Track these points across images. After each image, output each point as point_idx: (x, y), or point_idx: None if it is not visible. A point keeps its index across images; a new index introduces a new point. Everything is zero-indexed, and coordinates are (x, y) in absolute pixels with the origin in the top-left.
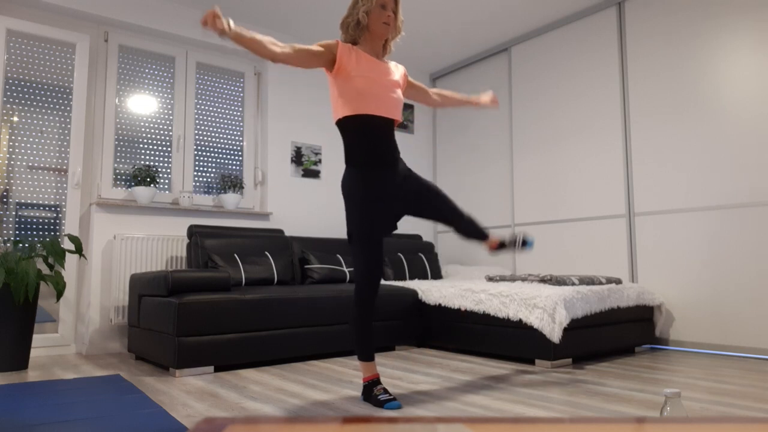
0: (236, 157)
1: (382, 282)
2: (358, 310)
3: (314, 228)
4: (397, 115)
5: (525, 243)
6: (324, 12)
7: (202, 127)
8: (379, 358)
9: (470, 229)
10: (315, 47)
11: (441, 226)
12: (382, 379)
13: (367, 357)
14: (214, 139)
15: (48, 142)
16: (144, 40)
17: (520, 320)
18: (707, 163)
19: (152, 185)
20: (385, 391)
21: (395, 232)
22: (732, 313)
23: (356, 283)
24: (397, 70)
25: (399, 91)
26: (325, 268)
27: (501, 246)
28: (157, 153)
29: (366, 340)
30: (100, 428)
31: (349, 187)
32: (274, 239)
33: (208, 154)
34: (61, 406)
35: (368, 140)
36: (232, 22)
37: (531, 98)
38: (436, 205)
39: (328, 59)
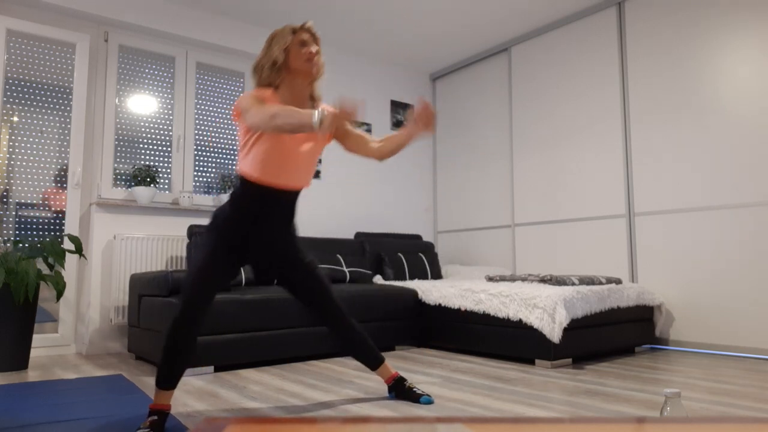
0: (236, 157)
1: (382, 282)
2: (172, 332)
3: (314, 228)
4: (306, 183)
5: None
6: (325, 11)
7: (202, 127)
8: None
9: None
10: (260, 103)
11: (441, 226)
12: (382, 381)
13: (157, 383)
14: (214, 139)
15: (48, 142)
16: (144, 40)
17: (520, 320)
18: (707, 163)
19: (152, 185)
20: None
21: (394, 231)
22: (732, 313)
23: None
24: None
25: (316, 151)
26: (325, 268)
27: (401, 382)
28: (157, 153)
29: (164, 366)
30: (100, 428)
31: (217, 217)
32: None
33: (208, 154)
34: (61, 406)
35: (263, 205)
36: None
37: (531, 98)
38: (308, 283)
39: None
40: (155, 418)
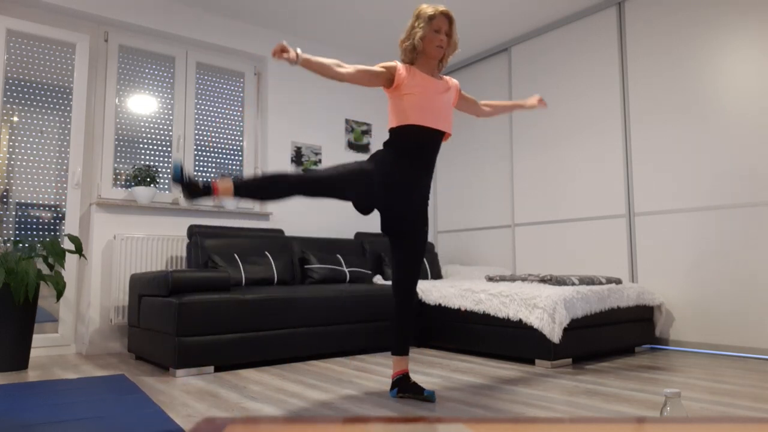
0: (236, 157)
1: (382, 282)
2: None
3: (314, 228)
4: (446, 128)
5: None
6: (325, 11)
7: (202, 127)
8: (380, 358)
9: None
10: (376, 68)
11: (441, 226)
12: (383, 379)
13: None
14: (214, 139)
15: (48, 142)
16: (144, 40)
17: (520, 320)
18: (707, 164)
19: (152, 185)
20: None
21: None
22: (732, 313)
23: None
24: (450, 86)
25: (449, 106)
26: (325, 268)
27: (404, 381)
28: (157, 153)
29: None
30: (99, 428)
31: (381, 157)
32: (274, 239)
33: (208, 154)
34: (61, 406)
35: (414, 144)
36: (299, 51)
37: None
38: (407, 252)
39: (387, 78)
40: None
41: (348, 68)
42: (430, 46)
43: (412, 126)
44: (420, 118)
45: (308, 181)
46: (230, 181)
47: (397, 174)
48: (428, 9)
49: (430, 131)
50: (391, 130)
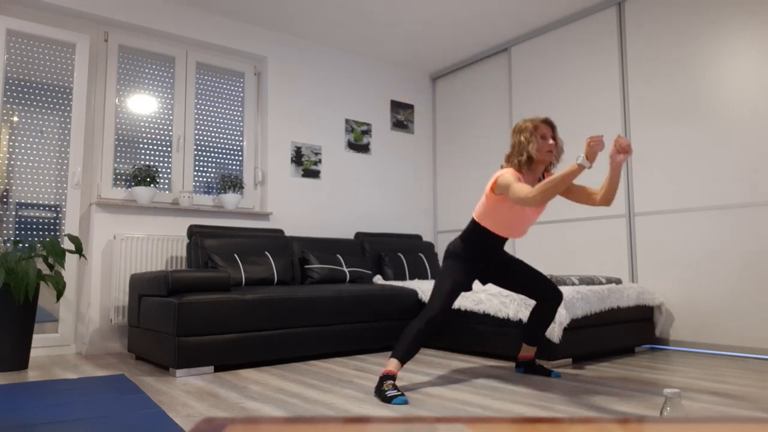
0: (236, 157)
1: (382, 282)
2: (426, 324)
3: (314, 228)
4: (520, 236)
5: (550, 373)
6: (325, 11)
7: (202, 127)
8: (380, 358)
9: (541, 322)
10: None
11: (441, 226)
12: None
13: (399, 356)
14: (214, 139)
15: (48, 142)
16: (144, 40)
17: (520, 320)
18: (707, 163)
19: (152, 185)
20: (395, 387)
21: (394, 231)
22: (732, 313)
23: (434, 306)
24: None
25: (535, 218)
26: (325, 268)
27: (532, 363)
28: (157, 153)
29: (411, 347)
30: (99, 428)
31: (455, 250)
32: (274, 239)
33: (208, 154)
34: (61, 406)
35: (489, 244)
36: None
37: (531, 98)
38: (528, 277)
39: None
40: (392, 381)
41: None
42: (541, 152)
43: (493, 234)
44: (503, 230)
45: (439, 319)
46: (396, 361)
47: (473, 264)
48: (528, 122)
49: (505, 239)
50: (475, 223)
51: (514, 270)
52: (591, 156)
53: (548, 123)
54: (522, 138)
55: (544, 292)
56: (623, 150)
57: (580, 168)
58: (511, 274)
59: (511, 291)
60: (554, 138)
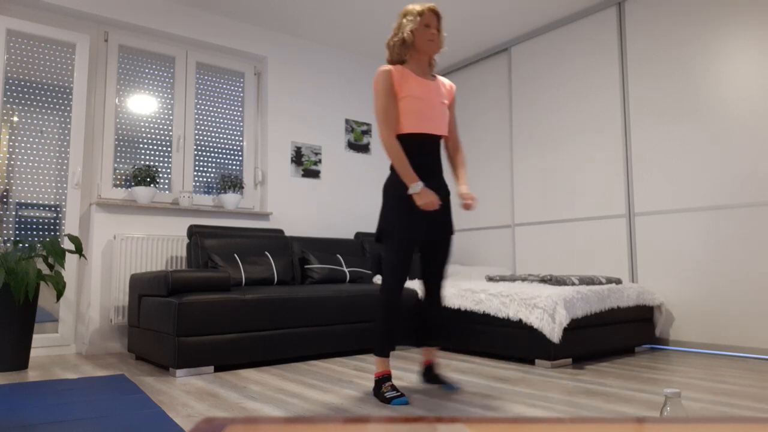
0: (236, 157)
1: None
2: (384, 309)
3: (314, 228)
4: (444, 131)
5: (451, 387)
6: (325, 11)
7: (202, 127)
8: None
9: (432, 322)
10: (390, 98)
11: None
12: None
13: (382, 353)
14: (214, 139)
15: (48, 142)
16: (144, 40)
17: (520, 320)
18: (707, 163)
19: (152, 185)
20: (393, 387)
21: None
22: (732, 313)
23: (384, 281)
24: (444, 87)
25: (445, 108)
26: (325, 268)
27: (431, 369)
28: (157, 153)
29: (386, 337)
30: (99, 428)
31: (393, 188)
32: (274, 239)
33: (208, 154)
34: (61, 406)
35: (416, 155)
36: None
37: (531, 98)
38: (435, 255)
39: (394, 92)
40: (388, 380)
41: (390, 130)
42: (421, 40)
43: (411, 135)
44: (418, 125)
45: (399, 287)
46: (381, 360)
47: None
48: (416, 6)
49: (430, 138)
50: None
51: (438, 241)
52: (429, 202)
53: (435, 12)
54: (404, 20)
55: (431, 289)
56: (466, 207)
57: (410, 189)
58: (433, 245)
59: (419, 261)
60: (438, 30)
